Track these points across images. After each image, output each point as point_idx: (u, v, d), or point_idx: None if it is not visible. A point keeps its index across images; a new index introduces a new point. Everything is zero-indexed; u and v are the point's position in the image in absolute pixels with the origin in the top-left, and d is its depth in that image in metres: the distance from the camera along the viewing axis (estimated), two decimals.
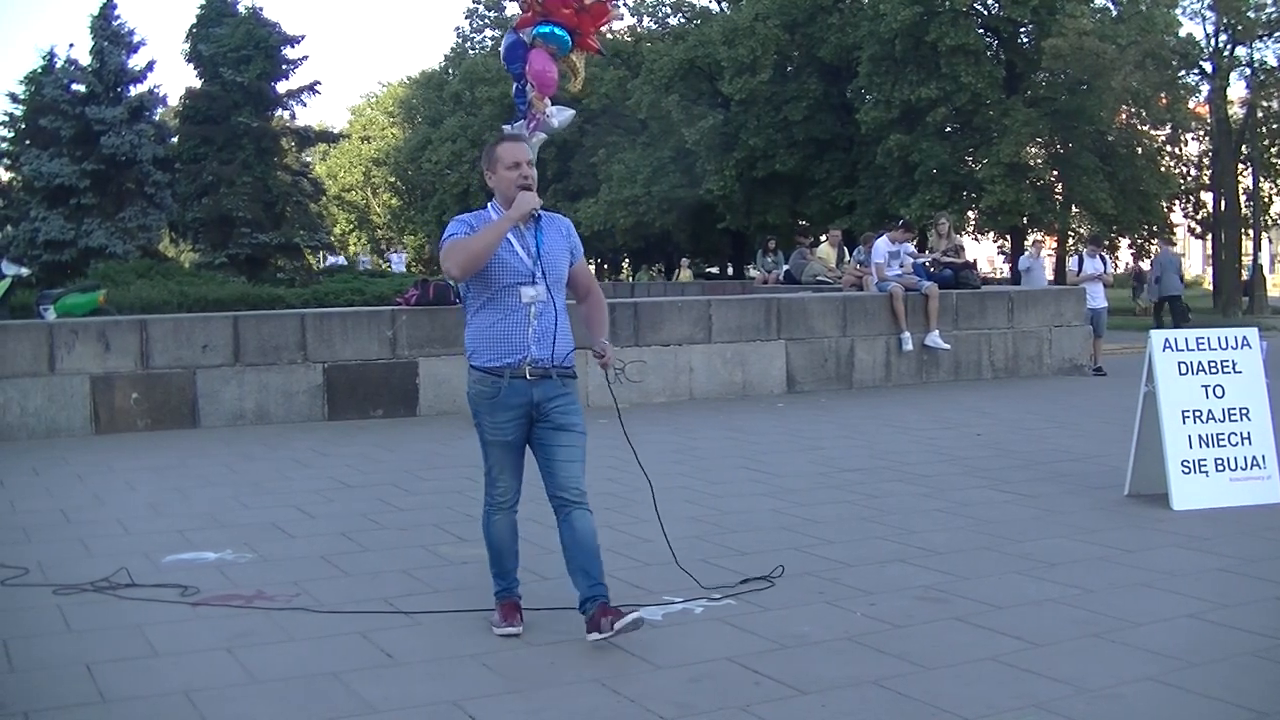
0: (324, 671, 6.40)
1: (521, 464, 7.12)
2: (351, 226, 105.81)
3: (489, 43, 77.01)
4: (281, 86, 48.58)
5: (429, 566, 8.64)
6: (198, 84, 48.11)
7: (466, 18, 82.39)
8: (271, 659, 6.64)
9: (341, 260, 60.52)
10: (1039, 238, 40.13)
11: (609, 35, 65.45)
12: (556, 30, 15.51)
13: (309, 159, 68.30)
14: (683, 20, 68.87)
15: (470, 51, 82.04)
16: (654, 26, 71.55)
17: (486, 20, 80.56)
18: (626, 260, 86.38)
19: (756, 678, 6.09)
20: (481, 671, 6.40)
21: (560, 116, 16.40)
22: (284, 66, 47.96)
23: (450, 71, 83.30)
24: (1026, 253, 30.82)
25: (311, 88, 49.67)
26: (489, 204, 7.09)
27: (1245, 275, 52.46)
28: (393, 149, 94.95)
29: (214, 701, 5.98)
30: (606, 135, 66.83)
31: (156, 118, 48.62)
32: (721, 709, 5.79)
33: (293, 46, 48.10)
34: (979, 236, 59.44)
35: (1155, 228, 52.88)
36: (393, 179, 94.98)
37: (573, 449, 6.96)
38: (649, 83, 60.62)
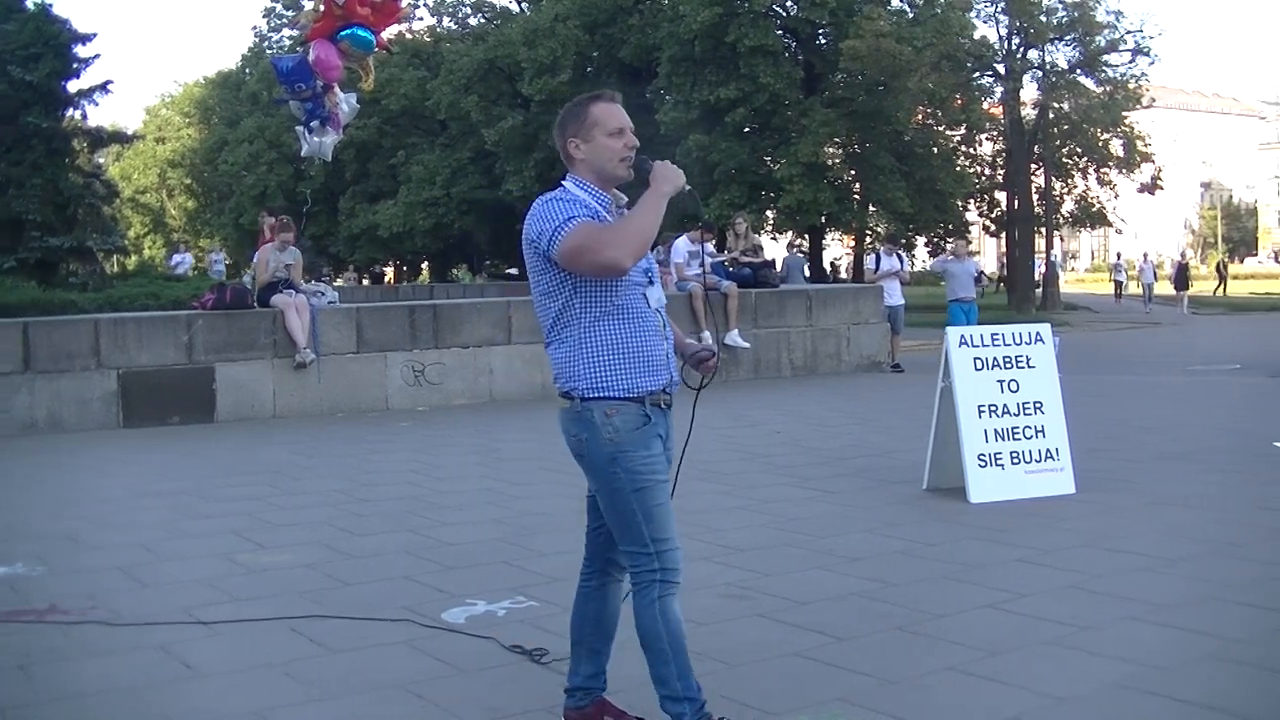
0: (121, 687, 6.27)
1: None
2: (147, 229, 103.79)
3: (287, 42, 75.93)
4: (73, 86, 47.48)
5: (229, 575, 8.49)
6: None
7: (264, 16, 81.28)
8: (67, 675, 6.49)
9: (188, 259, 59.18)
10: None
11: (409, 36, 65.17)
12: (359, 31, 15.40)
13: (102, 160, 66.85)
14: (483, 21, 68.60)
15: (268, 51, 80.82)
16: (454, 27, 71.18)
17: (284, 20, 79.51)
18: (426, 263, 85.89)
19: (562, 679, 6.10)
20: (284, 681, 6.31)
21: (349, 103, 16.30)
22: (75, 65, 46.85)
23: (248, 71, 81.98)
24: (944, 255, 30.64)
25: (104, 87, 48.63)
26: (567, 182, 5.34)
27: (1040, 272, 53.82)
28: (189, 150, 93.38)
29: None
30: (406, 136, 66.43)
31: None
32: (528, 711, 5.80)
33: (84, 44, 47.01)
34: (777, 236, 59.96)
35: (951, 226, 53.86)
36: (189, 181, 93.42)
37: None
38: (449, 83, 60.32)
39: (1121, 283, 64.81)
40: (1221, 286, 68.98)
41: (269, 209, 27.15)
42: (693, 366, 5.65)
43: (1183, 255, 71.18)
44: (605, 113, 5.40)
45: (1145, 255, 61.65)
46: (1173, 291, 56.34)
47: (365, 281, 74.00)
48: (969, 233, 57.84)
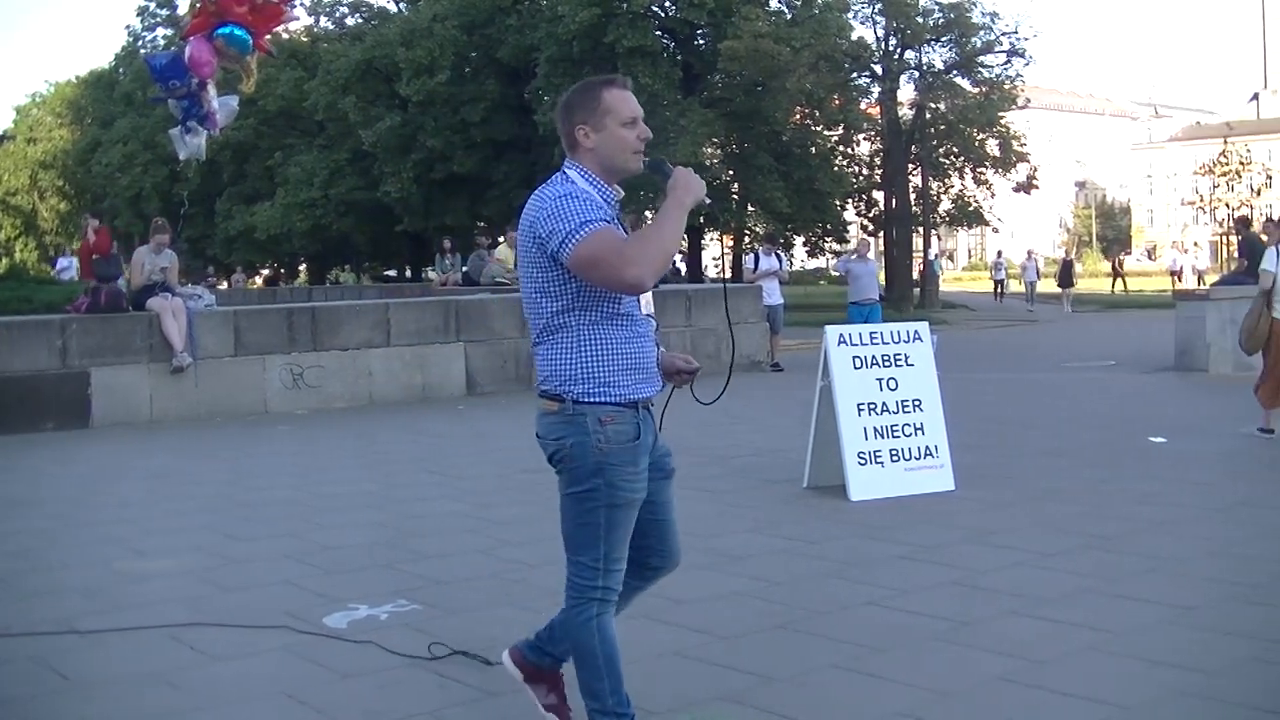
0: None
1: None
2: (18, 232, 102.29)
3: (161, 41, 75.13)
4: None
5: (108, 584, 8.36)
6: None
7: (138, 15, 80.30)
8: None
9: (74, 263, 58.33)
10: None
11: (285, 36, 64.57)
12: (237, 31, 15.22)
13: None
14: (360, 21, 68.15)
15: (142, 50, 79.90)
16: (331, 27, 70.69)
17: (158, 19, 78.60)
18: (304, 265, 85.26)
19: (444, 682, 6.07)
20: (166, 691, 6.22)
21: (229, 105, 16.13)
22: None
23: (121, 71, 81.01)
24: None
25: None
26: (571, 171, 4.99)
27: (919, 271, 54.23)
28: (61, 151, 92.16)
29: None
30: (283, 137, 65.87)
31: None
32: (411, 716, 5.76)
33: None
34: None
35: (829, 226, 54.23)
36: (61, 182, 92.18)
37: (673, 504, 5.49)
38: (326, 84, 59.86)
39: (1002, 281, 64.97)
40: (1119, 283, 69.29)
41: (93, 212, 26.88)
42: (668, 376, 5.53)
43: (1068, 253, 70.74)
44: (619, 100, 5.00)
45: (1030, 253, 61.73)
46: (1057, 289, 56.00)
47: (259, 282, 73.43)
48: (847, 232, 58.21)
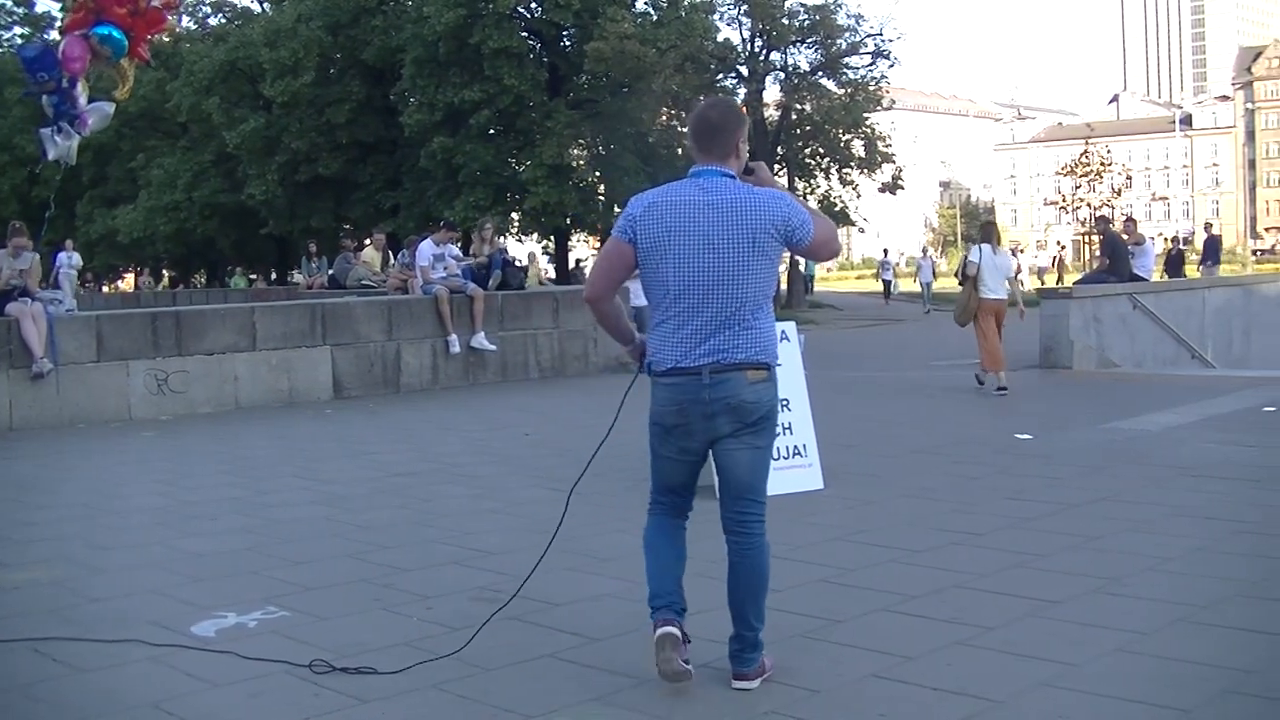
0: None
1: None
2: None
3: (19, 40, 73.98)
4: None
5: None
6: None
7: None
8: None
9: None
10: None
11: (149, 36, 63.74)
12: (114, 33, 15.01)
13: None
14: (223, 21, 67.51)
15: None
16: (194, 27, 69.94)
17: (15, 17, 77.32)
18: (167, 268, 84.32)
19: (316, 689, 6.02)
20: (29, 706, 6.10)
21: (102, 109, 15.88)
22: None
23: None
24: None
25: None
26: (720, 171, 5.87)
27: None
28: None
29: None
30: (145, 139, 65.18)
31: None
32: None
33: None
34: (524, 238, 60.13)
35: None
36: None
37: None
38: (189, 85, 59.25)
39: (890, 282, 64.36)
40: (1059, 279, 69.06)
41: None
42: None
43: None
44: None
45: (925, 250, 61.52)
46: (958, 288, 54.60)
47: (161, 285, 72.60)
48: None
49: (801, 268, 60.31)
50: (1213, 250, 40.13)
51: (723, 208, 5.72)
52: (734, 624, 5.95)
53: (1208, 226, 51.55)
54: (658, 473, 6.22)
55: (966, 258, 19.75)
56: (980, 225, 20.22)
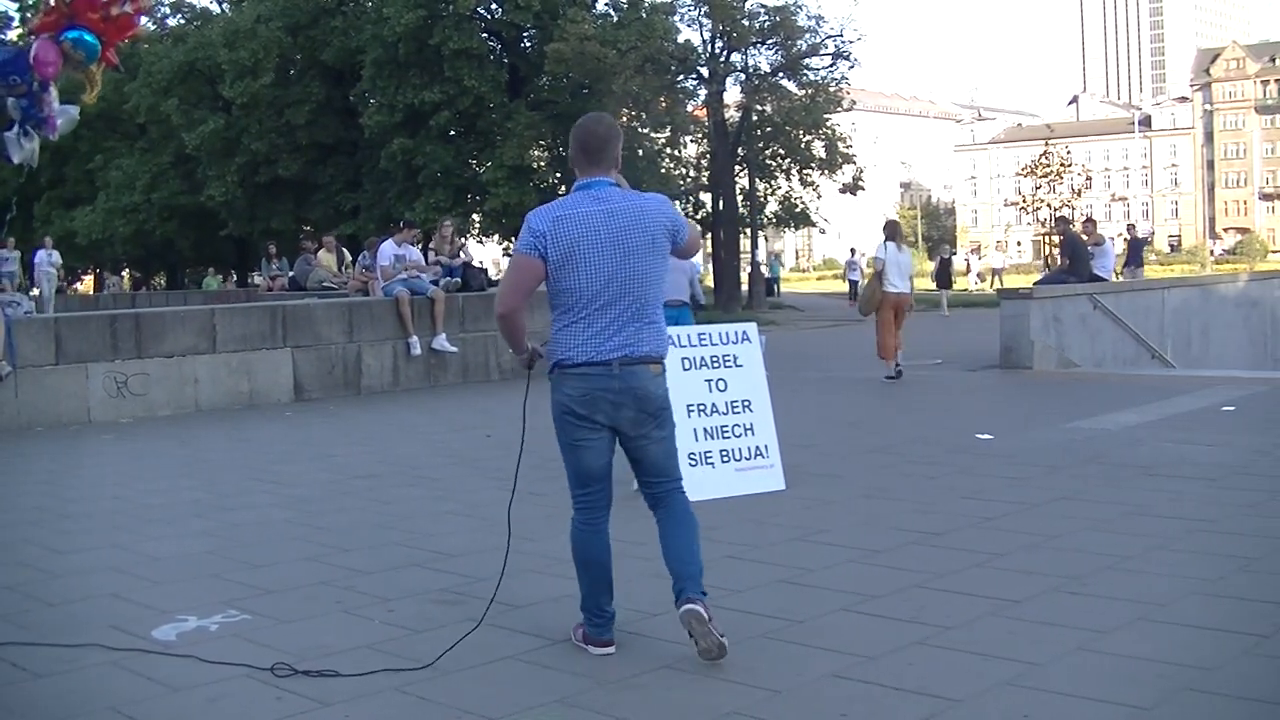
0: None
1: None
2: None
3: None
4: None
5: None
6: None
7: None
8: None
9: None
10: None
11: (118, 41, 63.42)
12: (86, 36, 14.92)
13: None
14: (182, 21, 67.21)
15: None
16: (152, 27, 69.64)
17: None
18: (127, 270, 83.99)
19: (279, 693, 6.00)
20: None
21: (68, 113, 15.80)
22: None
23: None
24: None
25: None
26: (608, 182, 6.79)
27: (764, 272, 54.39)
28: None
29: None
30: (103, 140, 64.87)
31: None
32: None
33: None
34: (484, 239, 60.06)
35: None
36: None
37: None
38: (148, 85, 59.04)
39: (856, 282, 62.84)
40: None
41: None
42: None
43: (944, 250, 66.57)
44: None
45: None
46: (933, 289, 52.99)
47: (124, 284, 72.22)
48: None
49: (765, 270, 60.39)
50: (1136, 253, 40.02)
51: (623, 214, 6.33)
52: (678, 581, 6.41)
53: (1130, 229, 50.82)
54: (575, 465, 6.78)
55: (874, 255, 21.44)
56: (885, 224, 21.68)
